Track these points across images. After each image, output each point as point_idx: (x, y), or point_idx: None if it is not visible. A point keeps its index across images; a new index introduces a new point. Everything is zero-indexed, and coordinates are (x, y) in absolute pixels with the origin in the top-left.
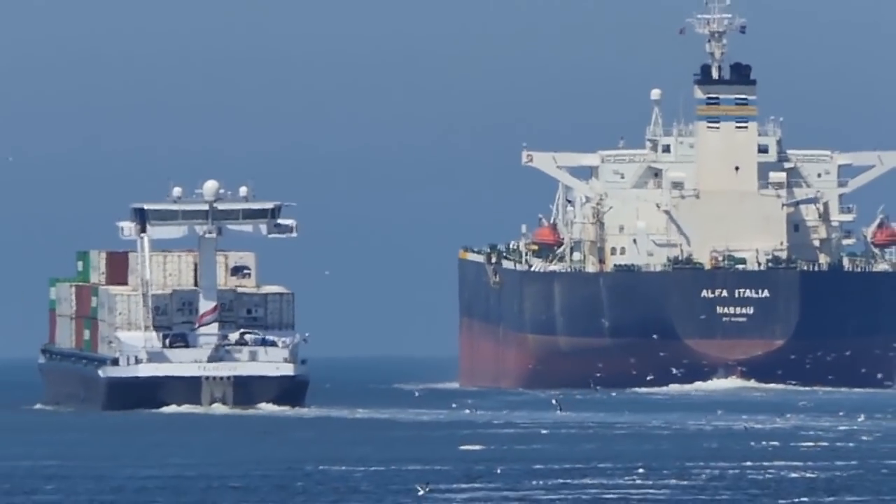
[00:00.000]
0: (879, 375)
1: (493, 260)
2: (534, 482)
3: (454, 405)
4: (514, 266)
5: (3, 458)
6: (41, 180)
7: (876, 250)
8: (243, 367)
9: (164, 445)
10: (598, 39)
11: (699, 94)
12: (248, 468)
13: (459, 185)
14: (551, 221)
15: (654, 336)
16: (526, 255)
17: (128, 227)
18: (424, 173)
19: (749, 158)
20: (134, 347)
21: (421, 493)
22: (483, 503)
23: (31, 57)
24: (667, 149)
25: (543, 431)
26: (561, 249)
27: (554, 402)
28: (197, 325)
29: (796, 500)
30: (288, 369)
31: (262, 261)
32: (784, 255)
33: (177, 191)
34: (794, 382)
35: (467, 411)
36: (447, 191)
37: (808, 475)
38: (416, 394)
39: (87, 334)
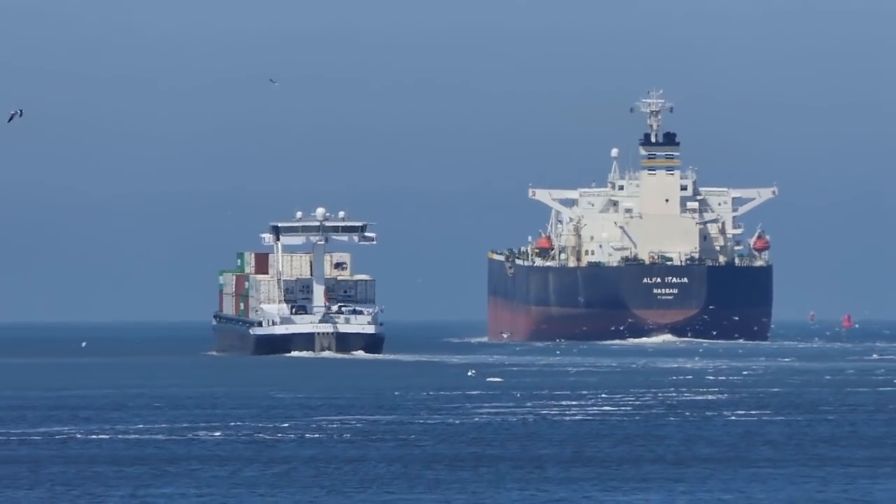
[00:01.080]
0: (756, 330)
1: (510, 259)
2: (536, 402)
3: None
4: (524, 263)
5: (192, 385)
6: (216, 206)
7: (756, 253)
8: (342, 327)
9: (293, 377)
10: (577, 113)
11: (642, 151)
12: (350, 391)
13: (489, 209)
14: (547, 234)
15: (612, 308)
16: (531, 255)
17: (268, 237)
18: (465, 202)
19: (674, 194)
20: (272, 314)
21: (470, 374)
22: (504, 415)
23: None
24: (622, 187)
25: (540, 368)
26: (553, 252)
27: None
28: (325, 302)
29: (702, 412)
30: (370, 329)
31: (354, 259)
32: (697, 255)
33: (298, 214)
34: (702, 338)
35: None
36: (480, 213)
37: (709, 397)
38: (463, 355)
39: (242, 306)
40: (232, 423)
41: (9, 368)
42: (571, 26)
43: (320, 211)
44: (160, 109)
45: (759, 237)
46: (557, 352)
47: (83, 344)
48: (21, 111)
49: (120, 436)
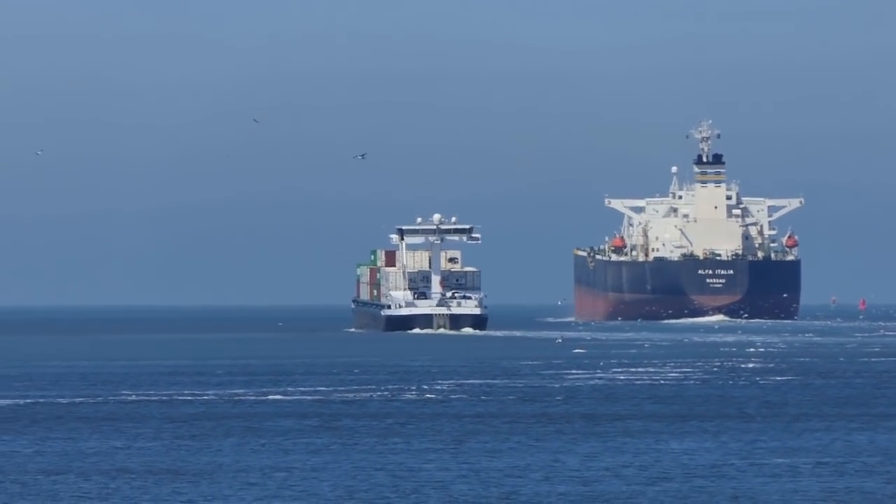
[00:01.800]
0: (787, 312)
1: (591, 254)
2: (614, 370)
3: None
4: (602, 258)
5: (336, 355)
6: (356, 212)
7: (787, 249)
8: (454, 309)
9: (416, 349)
10: (644, 138)
11: (696, 169)
12: (461, 361)
13: (573, 215)
14: (620, 235)
15: (673, 294)
16: (608, 252)
17: (395, 237)
18: (555, 209)
19: (722, 203)
20: (398, 299)
21: (558, 341)
22: (586, 381)
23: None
24: (680, 197)
25: (615, 342)
26: (626, 249)
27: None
28: (441, 289)
29: (749, 378)
30: (477, 311)
31: (464, 254)
32: (740, 252)
33: (419, 219)
34: (745, 317)
35: (577, 333)
36: (567, 218)
37: (749, 364)
38: (556, 331)
39: (374, 293)
40: (372, 386)
41: (219, 342)
42: (640, 68)
43: (436, 216)
44: (319, 128)
45: (790, 237)
46: (629, 329)
47: (279, 324)
48: None
49: (287, 397)
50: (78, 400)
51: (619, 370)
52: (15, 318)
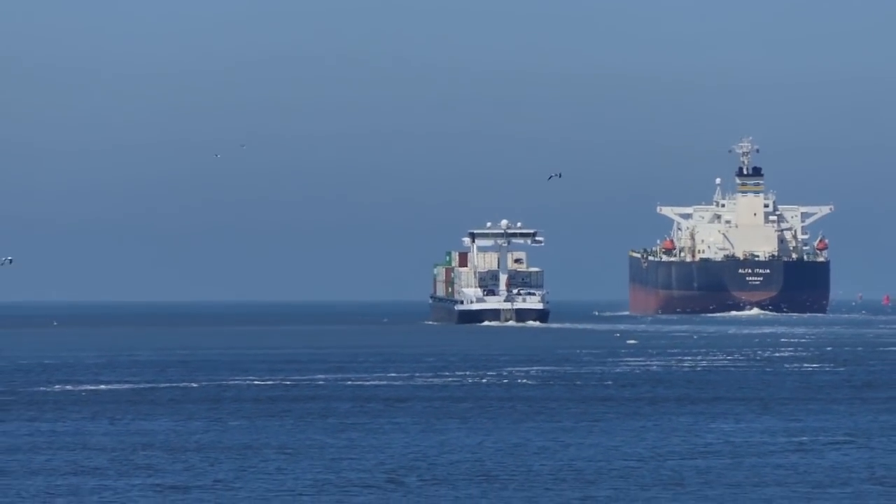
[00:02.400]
0: (818, 307)
1: (644, 255)
2: (668, 358)
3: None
4: (654, 258)
5: (416, 345)
6: (433, 217)
7: (818, 252)
8: (519, 304)
9: (485, 340)
10: (691, 153)
11: (737, 180)
12: (527, 350)
13: (629, 220)
14: (670, 238)
15: (717, 290)
16: (659, 253)
17: (467, 240)
18: (612, 215)
19: (760, 210)
20: (470, 296)
21: (616, 335)
22: (641, 368)
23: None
24: (723, 205)
25: (666, 333)
26: (675, 251)
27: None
28: (508, 287)
29: (785, 365)
30: (540, 305)
31: (528, 256)
32: (776, 254)
33: (488, 224)
34: (785, 310)
35: (629, 326)
36: (623, 222)
37: (785, 353)
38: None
39: (449, 289)
40: (446, 372)
41: (309, 333)
42: (688, 89)
43: (504, 222)
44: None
45: (821, 240)
46: (677, 321)
47: (385, 320)
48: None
49: (361, 383)
50: (267, 383)
51: (669, 357)
52: (167, 312)
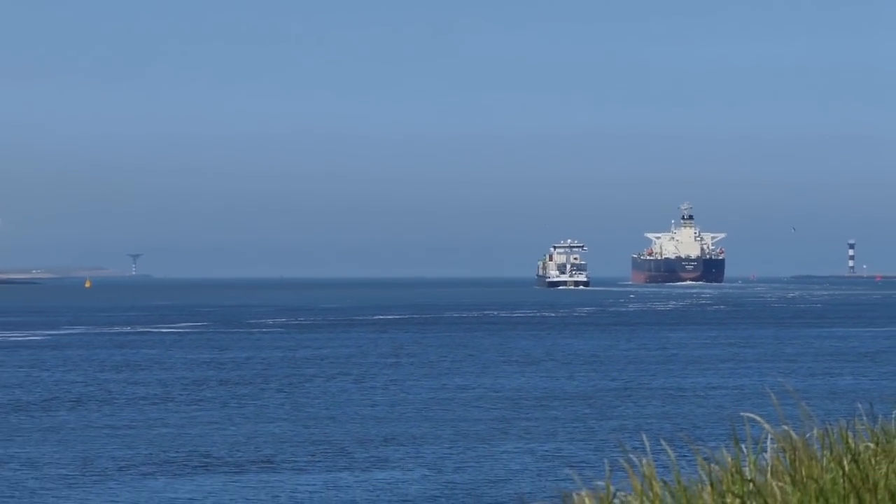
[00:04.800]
0: (721, 280)
1: (639, 256)
2: (647, 303)
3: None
4: (643, 257)
5: (530, 297)
6: (539, 238)
7: (719, 255)
8: (576, 278)
9: (560, 296)
10: (659, 208)
11: (682, 221)
12: (581, 299)
13: (631, 239)
14: (650, 248)
15: (671, 272)
16: (645, 255)
17: (552, 249)
18: (622, 237)
19: (692, 235)
20: (553, 274)
21: (632, 295)
22: (636, 308)
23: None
24: (675, 232)
25: (648, 292)
26: (653, 254)
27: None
28: (570, 270)
29: (701, 304)
30: (585, 279)
31: (581, 255)
32: (699, 256)
33: (561, 241)
34: (703, 282)
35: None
36: (628, 240)
37: (702, 301)
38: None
39: (544, 271)
40: (547, 310)
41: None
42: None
43: (568, 241)
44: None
45: (720, 249)
46: (653, 287)
47: (536, 286)
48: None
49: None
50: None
51: (649, 303)
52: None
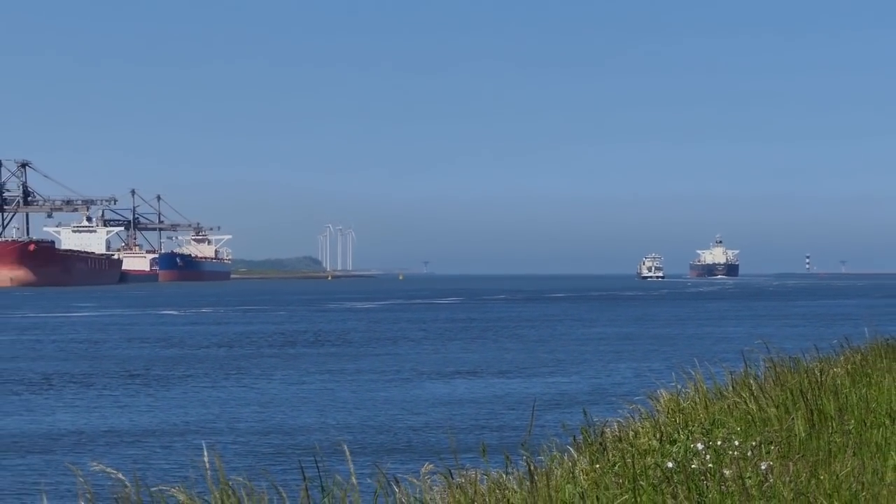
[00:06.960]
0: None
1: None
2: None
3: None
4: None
5: (630, 286)
6: (636, 249)
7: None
8: (657, 274)
9: (649, 285)
10: (639, 249)
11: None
12: (661, 287)
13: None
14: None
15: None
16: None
17: (643, 258)
18: (630, 259)
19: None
20: (646, 272)
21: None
22: (659, 289)
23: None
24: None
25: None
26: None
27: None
28: (654, 268)
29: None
30: (662, 276)
31: (659, 261)
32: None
33: (649, 254)
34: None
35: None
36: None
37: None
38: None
39: (640, 270)
40: (640, 291)
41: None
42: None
43: (653, 254)
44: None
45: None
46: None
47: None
48: None
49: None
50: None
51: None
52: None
